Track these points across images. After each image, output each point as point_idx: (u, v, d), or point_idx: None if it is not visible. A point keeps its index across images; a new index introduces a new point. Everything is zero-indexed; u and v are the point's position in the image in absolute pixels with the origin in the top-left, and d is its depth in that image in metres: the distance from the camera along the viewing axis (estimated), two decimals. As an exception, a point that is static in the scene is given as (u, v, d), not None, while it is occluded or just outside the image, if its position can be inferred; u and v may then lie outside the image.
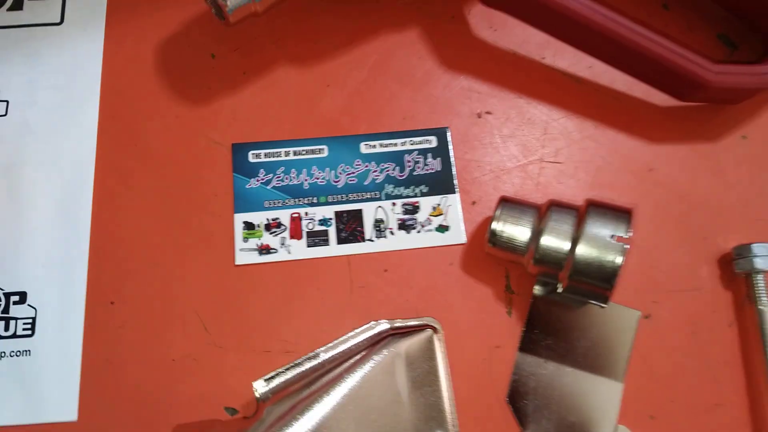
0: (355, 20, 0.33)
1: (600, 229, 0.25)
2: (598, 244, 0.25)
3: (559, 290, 0.27)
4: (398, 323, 0.27)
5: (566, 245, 0.25)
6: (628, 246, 0.25)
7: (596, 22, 0.28)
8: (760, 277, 0.28)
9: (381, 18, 0.33)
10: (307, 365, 0.26)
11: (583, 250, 0.25)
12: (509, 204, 0.27)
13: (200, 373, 0.27)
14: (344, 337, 0.27)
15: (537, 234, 0.26)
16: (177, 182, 0.30)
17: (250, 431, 0.25)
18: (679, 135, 0.32)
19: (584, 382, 0.28)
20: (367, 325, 0.27)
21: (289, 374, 0.26)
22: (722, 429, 0.27)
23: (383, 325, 0.27)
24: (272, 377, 0.26)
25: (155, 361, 0.27)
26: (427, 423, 0.26)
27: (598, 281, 0.25)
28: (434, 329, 0.28)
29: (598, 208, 0.26)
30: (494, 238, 0.27)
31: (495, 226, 0.27)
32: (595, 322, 0.28)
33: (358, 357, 0.26)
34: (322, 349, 0.27)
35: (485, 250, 0.28)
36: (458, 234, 0.29)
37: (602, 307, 0.27)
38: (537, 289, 0.28)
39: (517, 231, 0.27)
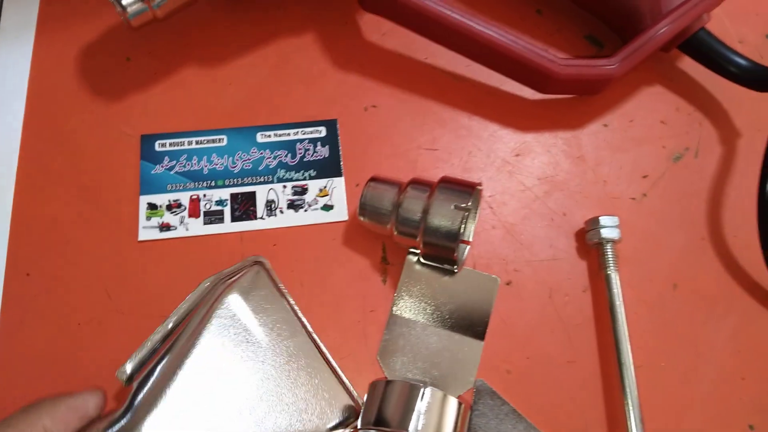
0: (256, 25, 0.37)
1: (444, 201, 0.28)
2: (443, 212, 0.28)
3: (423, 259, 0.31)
4: (226, 271, 0.30)
5: (419, 215, 0.29)
6: (468, 213, 0.28)
7: (457, 24, 0.32)
8: (608, 246, 0.32)
9: (280, 23, 0.37)
10: (159, 335, 0.28)
11: (430, 218, 0.28)
12: (376, 182, 0.31)
13: (103, 335, 0.31)
14: (185, 300, 0.29)
15: (397, 206, 0.30)
16: (90, 168, 0.33)
17: (120, 413, 0.27)
18: (546, 124, 0.35)
19: (448, 341, 0.31)
20: (200, 284, 0.30)
21: (144, 351, 0.28)
22: (574, 383, 0.31)
23: (212, 278, 0.30)
24: (134, 357, 0.28)
25: (63, 325, 0.31)
26: (296, 359, 0.28)
27: (444, 244, 0.28)
28: (260, 263, 0.31)
29: (447, 183, 0.29)
30: (362, 210, 0.30)
31: (363, 200, 0.30)
32: (459, 288, 0.32)
33: (202, 314, 0.29)
34: (171, 317, 0.29)
35: (358, 222, 0.31)
36: (341, 212, 0.33)
37: (455, 271, 0.30)
38: (408, 259, 0.32)
39: (381, 204, 0.30)
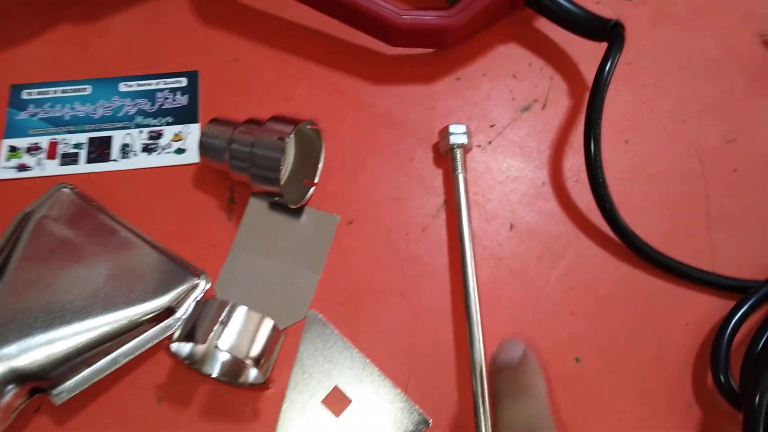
0: (129, -15, 0.39)
1: (270, 133, 0.30)
2: (266, 143, 0.30)
3: (262, 199, 0.32)
4: (35, 202, 0.31)
5: (248, 148, 0.30)
6: (288, 142, 0.29)
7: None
8: (457, 150, 0.33)
9: (152, -16, 0.39)
10: None
11: (254, 149, 0.30)
12: (216, 122, 0.32)
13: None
14: None
15: (230, 142, 0.31)
16: (-43, 115, 0.35)
17: None
18: (400, 78, 0.37)
19: (285, 274, 0.32)
20: (13, 219, 0.31)
21: None
22: (406, 315, 0.32)
23: (23, 211, 0.31)
24: None
25: None
26: (121, 251, 0.30)
27: (267, 175, 0.30)
28: (67, 187, 0.32)
29: (275, 118, 0.31)
30: (201, 147, 0.32)
31: (201, 137, 0.32)
32: (299, 226, 0.33)
33: (17, 242, 0.30)
34: None
35: (201, 162, 0.33)
36: (194, 155, 0.34)
37: (292, 209, 0.32)
38: (252, 198, 0.33)
39: (217, 141, 0.32)
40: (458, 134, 0.33)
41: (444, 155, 0.34)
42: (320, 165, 0.34)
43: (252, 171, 0.30)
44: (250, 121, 0.31)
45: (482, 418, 0.27)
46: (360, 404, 0.29)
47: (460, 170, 0.32)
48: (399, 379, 0.30)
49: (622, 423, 0.30)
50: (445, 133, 0.33)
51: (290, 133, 0.30)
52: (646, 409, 0.30)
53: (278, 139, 0.30)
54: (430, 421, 0.29)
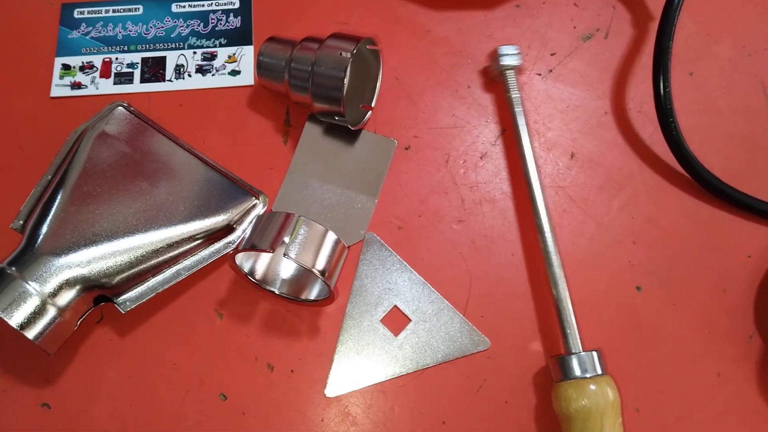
0: None
1: (330, 50, 0.29)
2: (329, 61, 0.29)
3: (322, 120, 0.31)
4: (91, 119, 0.31)
5: (308, 67, 0.30)
6: (350, 57, 0.29)
7: None
8: (510, 72, 0.32)
9: None
10: (39, 188, 0.30)
11: (316, 67, 0.29)
12: (274, 40, 0.31)
13: (16, 185, 0.32)
14: (58, 153, 0.31)
15: (289, 61, 0.30)
16: (9, 34, 0.35)
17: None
18: (458, 3, 0.36)
19: (342, 198, 0.32)
20: (69, 136, 0.31)
21: (30, 201, 0.30)
22: (464, 241, 0.31)
23: (79, 128, 0.31)
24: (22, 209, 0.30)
25: (-27, 172, 0.32)
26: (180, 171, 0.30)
27: (330, 95, 0.29)
28: (122, 105, 0.32)
29: (335, 36, 0.30)
30: (258, 66, 0.31)
31: (259, 57, 0.31)
32: (356, 149, 0.32)
33: (77, 157, 0.30)
34: (48, 170, 0.31)
35: (258, 83, 0.32)
36: (248, 77, 0.34)
37: (352, 130, 0.31)
38: (309, 120, 0.33)
39: (276, 60, 0.31)
40: (510, 55, 0.32)
41: (495, 79, 0.33)
42: (377, 88, 0.33)
43: (313, 90, 0.30)
44: (308, 39, 0.31)
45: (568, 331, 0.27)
46: (418, 324, 0.29)
47: (514, 92, 0.31)
48: (458, 302, 0.30)
49: (683, 351, 0.30)
50: (495, 55, 0.32)
51: (353, 50, 0.29)
52: (706, 338, 0.30)
53: (340, 56, 0.29)
54: (489, 343, 0.29)
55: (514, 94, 0.31)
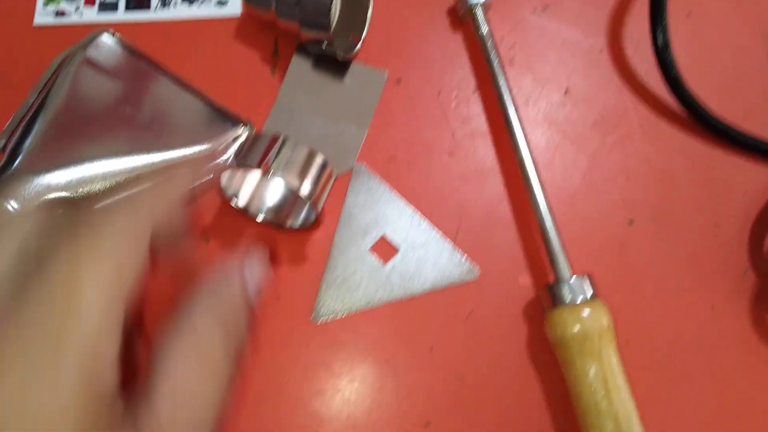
0: None
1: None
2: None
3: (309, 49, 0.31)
4: (75, 45, 0.30)
5: (296, -10, 0.29)
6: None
7: None
8: (478, 9, 0.31)
9: None
10: (21, 110, 0.29)
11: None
12: (263, -35, 0.31)
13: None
14: (40, 78, 0.30)
15: (277, -15, 0.30)
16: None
17: None
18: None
19: (331, 129, 0.31)
20: (52, 61, 0.30)
21: (11, 123, 0.28)
22: (455, 173, 0.31)
23: (62, 53, 0.30)
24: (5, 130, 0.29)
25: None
26: (164, 99, 0.29)
27: (317, 18, 0.28)
28: (107, 32, 0.31)
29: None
30: (246, -8, 0.30)
31: (246, -19, 0.30)
32: (346, 80, 0.32)
33: (60, 80, 0.29)
34: (30, 94, 0.29)
35: (245, 12, 0.31)
36: (235, 7, 0.33)
37: (340, 61, 0.30)
38: (297, 51, 0.32)
39: (263, -16, 0.30)
40: None
41: (462, 18, 0.33)
42: (368, 18, 0.32)
43: (301, 16, 0.29)
44: (298, -37, 0.30)
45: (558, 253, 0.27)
46: (407, 253, 0.29)
47: (485, 28, 0.31)
48: (448, 231, 0.29)
49: (675, 285, 0.29)
50: None
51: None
52: (698, 272, 0.29)
53: (330, -22, 0.28)
54: (478, 272, 0.29)
55: (484, 30, 0.31)
